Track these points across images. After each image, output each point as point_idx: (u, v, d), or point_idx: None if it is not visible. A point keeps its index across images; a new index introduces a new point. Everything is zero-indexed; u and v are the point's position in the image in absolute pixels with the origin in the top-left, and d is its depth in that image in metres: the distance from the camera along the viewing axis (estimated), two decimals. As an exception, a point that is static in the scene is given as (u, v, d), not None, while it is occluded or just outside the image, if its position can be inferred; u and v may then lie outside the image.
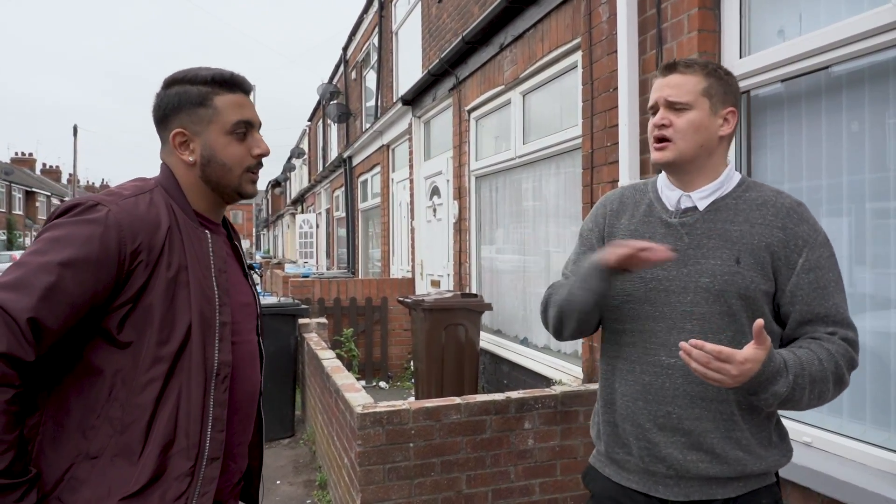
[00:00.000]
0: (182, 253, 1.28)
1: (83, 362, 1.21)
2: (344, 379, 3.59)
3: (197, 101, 1.35)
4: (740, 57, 2.69)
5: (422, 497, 2.96)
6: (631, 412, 1.52)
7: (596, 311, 1.55)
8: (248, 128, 1.38)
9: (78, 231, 1.19)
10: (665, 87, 1.50)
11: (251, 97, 1.43)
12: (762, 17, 2.66)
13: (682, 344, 1.30)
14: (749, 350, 1.28)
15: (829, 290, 1.44)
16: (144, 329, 1.22)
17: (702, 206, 1.51)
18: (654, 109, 1.53)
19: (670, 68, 1.51)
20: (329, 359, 4.24)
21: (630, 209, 1.61)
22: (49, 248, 1.17)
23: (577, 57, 3.84)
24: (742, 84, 2.67)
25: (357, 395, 3.16)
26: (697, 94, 1.47)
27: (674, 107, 1.48)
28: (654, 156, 1.52)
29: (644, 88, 3.07)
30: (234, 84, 1.38)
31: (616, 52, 3.25)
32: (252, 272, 1.55)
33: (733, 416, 1.44)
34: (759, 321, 1.26)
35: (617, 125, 3.24)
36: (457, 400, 3.06)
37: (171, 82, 1.38)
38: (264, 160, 1.45)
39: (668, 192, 1.56)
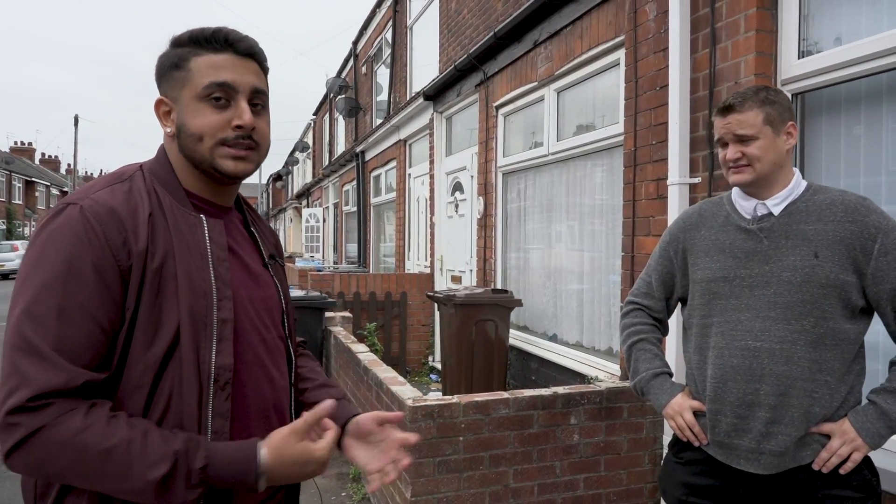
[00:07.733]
0: (168, 240, 1.10)
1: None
2: (385, 372, 3.61)
3: (174, 63, 1.15)
4: (798, 58, 2.71)
5: (470, 490, 2.98)
6: (720, 393, 1.67)
7: None
8: (227, 93, 1.13)
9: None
10: (729, 126, 1.66)
11: (250, 61, 1.17)
12: (822, 20, 2.68)
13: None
14: (833, 439, 1.58)
15: None
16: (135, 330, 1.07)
17: (776, 211, 1.66)
18: (722, 143, 1.70)
19: (727, 110, 1.66)
20: (364, 352, 4.26)
21: (708, 222, 1.78)
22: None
23: (620, 55, 3.85)
24: (799, 85, 2.70)
25: (405, 389, 3.18)
26: (759, 125, 1.63)
27: (741, 140, 1.64)
28: (733, 178, 1.69)
29: (696, 87, 3.08)
30: (216, 42, 1.13)
31: (665, 50, 3.26)
32: (273, 262, 1.34)
33: (814, 394, 1.58)
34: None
35: (664, 123, 3.26)
36: (505, 394, 3.08)
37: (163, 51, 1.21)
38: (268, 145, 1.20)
39: (743, 203, 1.72)
